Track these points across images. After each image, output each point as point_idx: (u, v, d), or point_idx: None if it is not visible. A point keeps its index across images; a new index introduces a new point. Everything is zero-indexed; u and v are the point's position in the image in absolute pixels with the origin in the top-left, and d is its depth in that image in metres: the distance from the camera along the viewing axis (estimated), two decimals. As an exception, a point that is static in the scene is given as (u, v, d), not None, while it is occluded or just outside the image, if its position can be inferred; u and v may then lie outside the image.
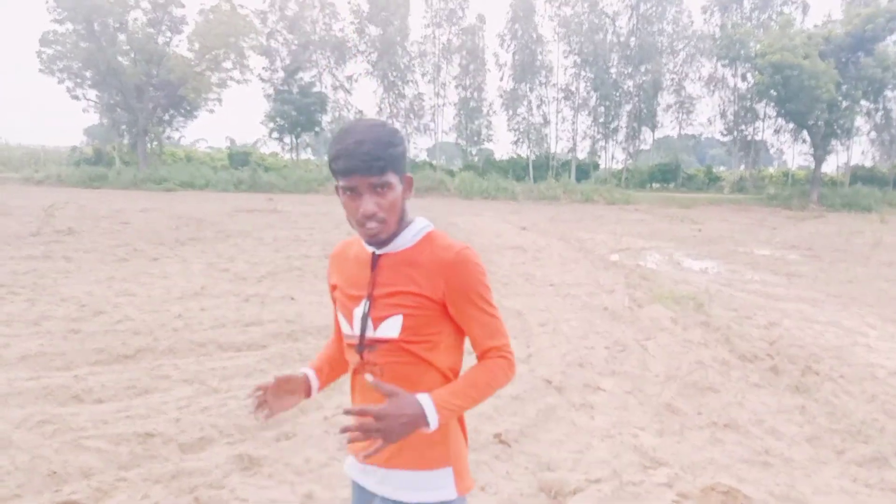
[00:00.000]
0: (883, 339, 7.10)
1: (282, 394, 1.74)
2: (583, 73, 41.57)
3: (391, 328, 1.56)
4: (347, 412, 1.46)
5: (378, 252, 1.60)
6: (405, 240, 1.59)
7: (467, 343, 1.66)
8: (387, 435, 1.43)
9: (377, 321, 1.58)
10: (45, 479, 3.30)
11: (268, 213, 19.24)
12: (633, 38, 41.54)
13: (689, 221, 22.87)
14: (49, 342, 5.52)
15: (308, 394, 1.80)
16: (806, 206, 31.12)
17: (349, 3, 40.92)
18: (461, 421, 1.68)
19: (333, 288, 1.75)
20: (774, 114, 37.03)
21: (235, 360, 5.39)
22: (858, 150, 50.14)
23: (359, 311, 1.61)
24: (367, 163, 1.46)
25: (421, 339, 1.56)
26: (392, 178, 1.51)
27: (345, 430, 1.43)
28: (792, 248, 15.68)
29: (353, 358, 1.66)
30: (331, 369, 1.88)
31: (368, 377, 1.57)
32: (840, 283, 10.70)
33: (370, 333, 1.59)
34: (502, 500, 3.34)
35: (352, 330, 1.63)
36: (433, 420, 1.47)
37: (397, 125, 41.98)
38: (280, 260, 10.66)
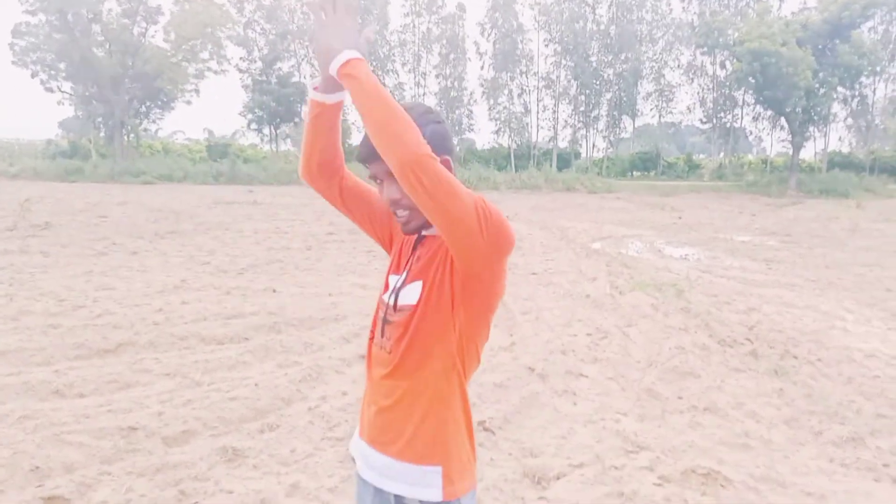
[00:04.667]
0: (859, 322, 7.22)
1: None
2: (563, 61, 41.71)
3: (411, 295, 1.52)
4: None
5: (424, 233, 1.58)
6: None
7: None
8: (318, 29, 1.42)
9: (401, 292, 1.56)
10: (27, 475, 3.28)
11: (248, 205, 19.10)
12: (612, 27, 41.69)
13: (669, 209, 23.04)
14: (28, 337, 5.45)
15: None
16: (784, 192, 31.45)
17: (327, -9, 40.65)
18: (468, 426, 1.58)
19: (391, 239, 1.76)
20: (753, 101, 37.35)
21: (218, 352, 5.37)
22: (835, 137, 50.74)
23: (393, 281, 1.62)
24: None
25: (438, 307, 1.48)
26: None
27: None
28: (771, 235, 15.86)
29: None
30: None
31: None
32: (818, 268, 10.86)
33: (397, 302, 1.57)
34: (487, 486, 3.36)
35: (385, 296, 1.61)
36: (345, 54, 1.37)
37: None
38: (261, 252, 10.61)
